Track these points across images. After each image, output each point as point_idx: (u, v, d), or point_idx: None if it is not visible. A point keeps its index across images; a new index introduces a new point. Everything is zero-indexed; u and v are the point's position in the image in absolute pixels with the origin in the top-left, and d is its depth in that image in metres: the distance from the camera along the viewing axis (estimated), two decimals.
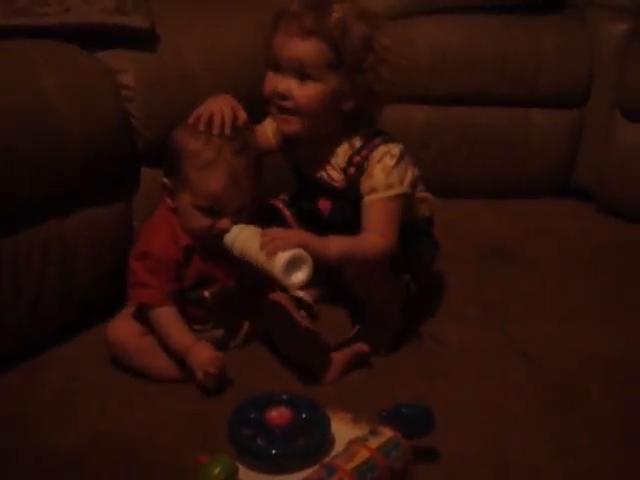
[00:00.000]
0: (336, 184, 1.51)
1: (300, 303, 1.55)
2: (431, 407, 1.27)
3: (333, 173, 1.51)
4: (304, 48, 1.41)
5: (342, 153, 1.49)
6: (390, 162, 1.45)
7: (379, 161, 1.45)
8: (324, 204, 1.53)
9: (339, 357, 1.47)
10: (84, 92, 1.50)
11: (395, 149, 1.47)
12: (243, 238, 1.41)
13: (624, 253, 1.97)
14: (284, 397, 1.28)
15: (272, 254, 1.33)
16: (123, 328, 1.45)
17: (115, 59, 1.59)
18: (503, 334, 1.62)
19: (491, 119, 2.17)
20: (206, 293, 1.48)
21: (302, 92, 1.43)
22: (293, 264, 1.33)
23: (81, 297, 1.56)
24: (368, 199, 1.45)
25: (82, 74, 1.52)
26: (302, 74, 1.42)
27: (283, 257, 1.32)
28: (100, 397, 1.41)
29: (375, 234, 1.44)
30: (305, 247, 1.33)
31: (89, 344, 1.53)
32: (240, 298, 1.51)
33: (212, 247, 1.45)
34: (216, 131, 1.41)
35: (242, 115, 1.46)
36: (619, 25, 2.12)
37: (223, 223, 1.43)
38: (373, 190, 1.45)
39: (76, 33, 1.57)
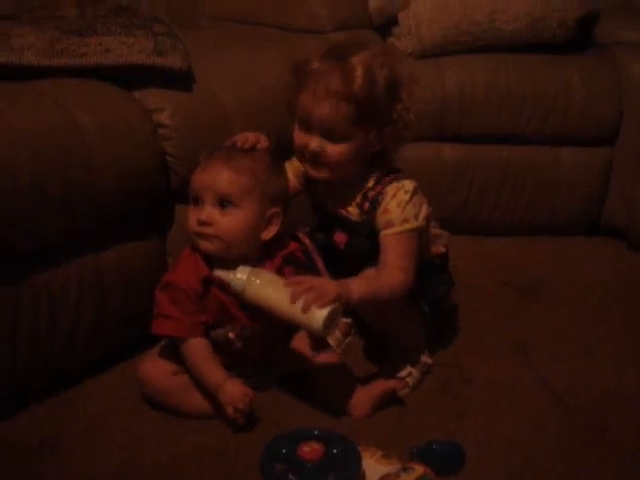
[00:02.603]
0: (352, 218, 1.52)
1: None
2: (461, 444, 1.27)
3: (350, 208, 1.53)
4: (332, 112, 1.43)
5: (358, 189, 1.51)
6: (405, 197, 1.47)
7: (394, 196, 1.48)
8: (340, 237, 1.54)
9: (370, 393, 1.47)
10: (121, 131, 1.53)
11: (409, 185, 1.49)
12: (260, 285, 1.40)
13: None
14: (316, 433, 1.29)
15: (307, 309, 1.34)
16: (152, 368, 1.46)
17: (152, 98, 1.62)
18: (531, 371, 1.62)
19: (521, 158, 2.18)
20: (231, 335, 1.47)
21: (333, 150, 1.46)
22: (330, 319, 1.34)
23: (115, 331, 1.58)
24: (385, 233, 1.47)
25: (119, 113, 1.55)
26: (331, 135, 1.45)
27: (322, 314, 1.33)
28: (131, 430, 1.42)
29: (394, 269, 1.45)
30: (337, 299, 1.35)
31: (122, 377, 1.55)
32: (267, 336, 1.50)
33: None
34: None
35: (264, 142, 1.49)
36: None
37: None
38: (389, 225, 1.47)
39: (114, 73, 1.60)
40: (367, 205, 1.50)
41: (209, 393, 1.43)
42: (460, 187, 2.17)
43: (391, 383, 1.50)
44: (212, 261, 1.45)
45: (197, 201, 1.44)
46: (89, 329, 1.52)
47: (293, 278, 1.40)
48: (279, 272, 1.46)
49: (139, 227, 1.60)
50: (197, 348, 1.44)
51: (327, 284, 1.38)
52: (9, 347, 1.41)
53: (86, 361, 1.55)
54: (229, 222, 1.42)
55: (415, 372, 1.57)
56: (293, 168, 1.59)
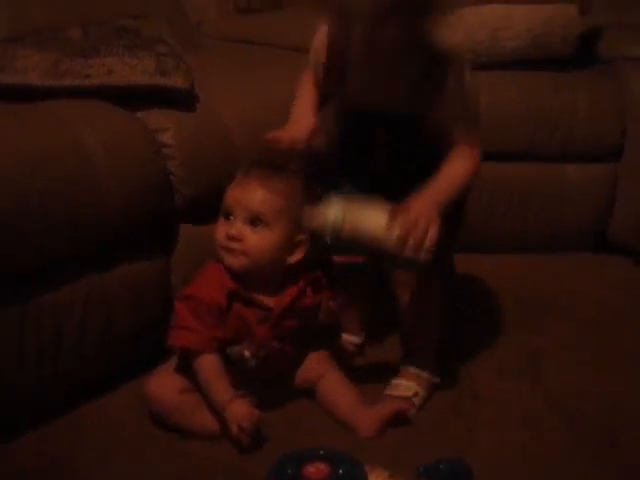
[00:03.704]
0: (400, 109, 1.42)
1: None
2: (469, 463, 1.26)
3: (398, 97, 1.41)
4: None
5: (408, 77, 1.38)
6: (465, 83, 1.41)
7: (454, 84, 1.38)
8: (380, 135, 1.46)
9: (378, 414, 1.46)
10: (124, 151, 1.53)
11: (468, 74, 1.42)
12: (357, 210, 1.31)
13: None
14: (322, 452, 1.28)
15: (418, 249, 1.27)
16: (160, 385, 1.46)
17: (155, 118, 1.63)
18: (540, 387, 1.61)
19: (526, 174, 2.18)
20: (246, 353, 1.47)
21: None
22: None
23: (121, 350, 1.58)
24: (454, 111, 1.40)
25: (122, 133, 1.56)
26: None
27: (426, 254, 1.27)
28: (138, 449, 1.42)
29: (466, 151, 1.42)
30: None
31: (128, 397, 1.54)
32: (281, 355, 1.50)
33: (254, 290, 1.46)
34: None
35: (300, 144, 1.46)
36: None
37: None
38: (454, 115, 1.40)
39: (118, 93, 1.61)
40: (426, 94, 1.38)
41: (216, 412, 1.42)
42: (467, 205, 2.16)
43: (400, 404, 1.49)
44: (236, 277, 1.46)
45: (228, 216, 1.45)
46: (95, 348, 1.52)
47: (393, 209, 1.32)
48: (301, 295, 1.48)
49: (144, 246, 1.60)
50: (209, 364, 1.43)
51: (427, 217, 1.29)
52: (15, 366, 1.41)
53: (92, 380, 1.55)
54: (258, 240, 1.43)
55: (422, 392, 1.56)
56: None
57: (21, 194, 1.37)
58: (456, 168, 1.42)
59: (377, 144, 1.49)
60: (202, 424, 1.44)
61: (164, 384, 1.46)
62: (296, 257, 1.48)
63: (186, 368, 1.45)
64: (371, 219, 1.31)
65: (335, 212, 1.32)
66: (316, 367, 1.52)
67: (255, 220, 1.44)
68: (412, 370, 1.57)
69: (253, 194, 1.44)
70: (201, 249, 1.61)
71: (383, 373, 1.62)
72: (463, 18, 2.08)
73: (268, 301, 1.47)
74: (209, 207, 1.57)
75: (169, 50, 1.70)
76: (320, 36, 1.47)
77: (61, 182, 1.42)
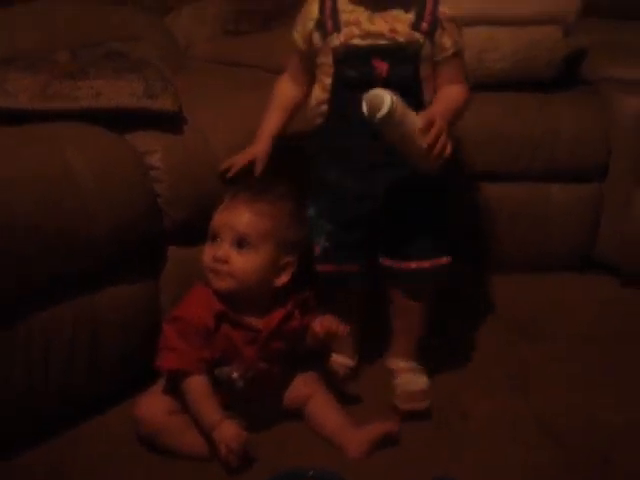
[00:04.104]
0: (399, 38, 1.52)
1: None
2: None
3: (399, 26, 1.52)
4: None
5: (406, 7, 1.52)
6: (456, 17, 1.56)
7: (451, 17, 1.55)
8: (381, 65, 1.51)
9: (367, 435, 1.47)
10: (112, 174, 1.54)
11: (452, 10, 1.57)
12: (404, 107, 1.40)
13: None
14: (311, 473, 1.28)
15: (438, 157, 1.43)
16: (150, 406, 1.46)
17: (143, 141, 1.63)
18: (529, 406, 1.62)
19: (511, 195, 2.18)
20: (234, 374, 1.47)
21: None
22: None
23: (110, 371, 1.58)
24: (448, 54, 1.56)
25: (111, 156, 1.56)
26: None
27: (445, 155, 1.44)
28: (127, 470, 1.42)
29: (462, 84, 1.58)
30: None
31: (117, 418, 1.54)
32: (269, 377, 1.51)
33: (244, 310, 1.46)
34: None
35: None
36: (634, 100, 2.15)
37: None
38: (455, 43, 1.56)
39: (106, 116, 1.62)
40: (425, 25, 1.52)
41: (205, 433, 1.43)
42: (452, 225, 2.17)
43: (389, 425, 1.49)
44: (223, 299, 1.46)
45: (215, 238, 1.46)
46: (84, 369, 1.52)
47: (424, 117, 1.43)
48: (289, 318, 1.49)
49: (132, 268, 1.61)
50: (197, 385, 1.43)
51: (445, 128, 1.44)
52: (3, 389, 1.41)
53: (81, 401, 1.54)
54: (244, 263, 1.44)
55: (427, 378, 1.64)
56: (301, 35, 1.60)
57: (9, 216, 1.37)
58: (455, 94, 1.57)
59: (377, 70, 1.52)
60: (191, 445, 1.44)
61: (153, 405, 1.46)
62: (283, 279, 1.48)
63: (175, 389, 1.45)
64: (410, 117, 1.42)
65: (393, 97, 1.38)
66: (304, 388, 1.53)
67: (241, 242, 1.45)
68: (409, 364, 1.65)
69: (240, 216, 1.45)
70: (189, 271, 1.62)
71: (373, 398, 1.63)
72: None
73: (256, 323, 1.48)
74: (197, 229, 1.58)
75: (157, 73, 1.71)
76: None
77: (49, 205, 1.43)
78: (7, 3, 2.10)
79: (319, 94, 1.59)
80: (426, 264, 1.59)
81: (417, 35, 1.53)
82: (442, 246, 1.61)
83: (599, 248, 2.22)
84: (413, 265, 1.59)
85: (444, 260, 1.60)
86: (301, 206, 1.52)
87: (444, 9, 1.55)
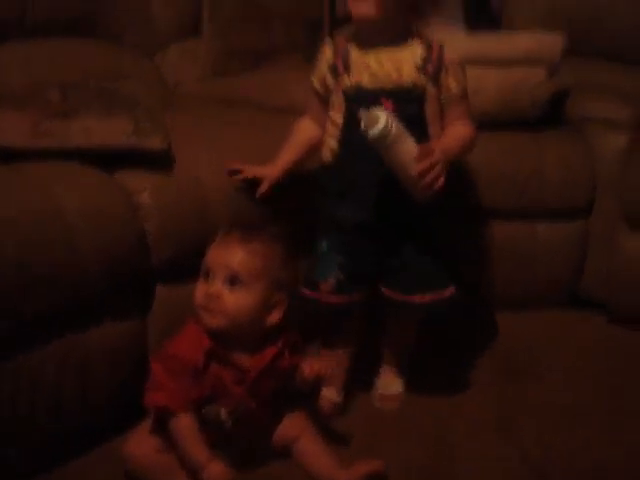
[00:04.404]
0: (405, 81, 1.60)
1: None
2: None
3: (405, 69, 1.60)
4: None
5: (413, 52, 1.61)
6: (458, 60, 1.64)
7: (453, 59, 1.63)
8: (387, 106, 1.57)
9: (355, 473, 1.47)
10: (101, 211, 1.55)
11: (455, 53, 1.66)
12: (400, 130, 1.48)
13: (633, 363, 1.97)
14: None
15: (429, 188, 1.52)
16: (139, 444, 1.46)
17: (132, 179, 1.64)
18: (518, 446, 1.61)
19: (498, 233, 2.19)
20: (223, 413, 1.47)
21: None
22: None
23: (98, 409, 1.57)
24: (457, 93, 1.64)
25: (100, 195, 1.57)
26: None
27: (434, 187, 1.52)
28: None
29: (468, 123, 1.66)
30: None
31: (106, 456, 1.53)
32: (257, 417, 1.50)
33: (232, 350, 1.47)
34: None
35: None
36: (617, 138, 2.18)
37: None
38: (459, 85, 1.64)
39: (96, 154, 1.62)
40: (430, 68, 1.61)
41: (193, 472, 1.42)
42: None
43: (376, 464, 1.49)
44: (213, 337, 1.46)
45: (208, 275, 1.47)
46: (72, 407, 1.52)
47: (422, 146, 1.52)
48: (279, 357, 1.49)
49: (121, 306, 1.60)
50: (185, 425, 1.43)
51: (443, 166, 1.53)
52: None
53: (69, 440, 1.53)
54: (236, 301, 1.45)
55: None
56: (318, 82, 1.68)
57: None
58: (461, 131, 1.65)
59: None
60: None
61: (142, 443, 1.46)
62: (274, 318, 1.49)
63: (163, 427, 1.45)
64: (407, 143, 1.50)
65: (389, 118, 1.46)
66: (293, 427, 1.53)
67: (234, 280, 1.45)
68: (394, 371, 1.78)
69: (232, 254, 1.46)
70: (178, 309, 1.62)
71: (360, 435, 1.63)
72: None
73: (246, 362, 1.48)
74: (186, 267, 1.59)
75: (147, 112, 1.73)
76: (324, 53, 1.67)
77: (38, 243, 1.43)
78: None
79: (331, 131, 1.65)
80: (427, 298, 1.65)
81: (422, 78, 1.61)
82: (444, 279, 1.68)
83: (586, 285, 2.24)
84: (415, 299, 1.66)
85: (447, 292, 1.67)
86: (291, 245, 1.53)
87: (449, 54, 1.63)
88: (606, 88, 2.42)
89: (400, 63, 1.60)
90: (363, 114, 1.48)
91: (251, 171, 1.71)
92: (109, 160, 1.64)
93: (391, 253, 1.65)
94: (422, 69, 1.60)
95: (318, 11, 2.47)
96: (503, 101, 2.14)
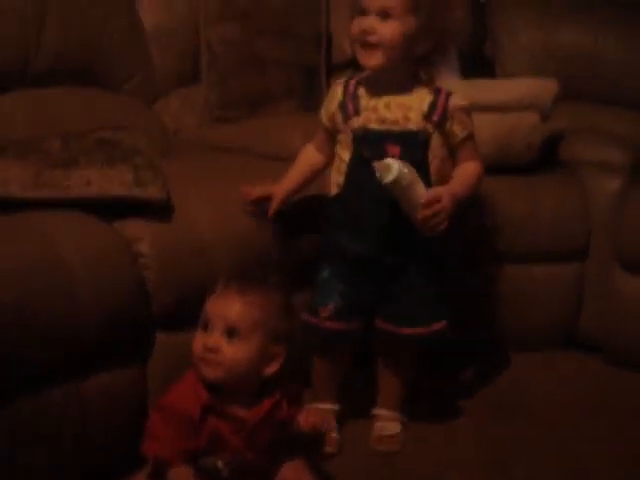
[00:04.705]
0: (412, 127, 1.67)
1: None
2: None
3: (412, 115, 1.67)
4: None
5: (420, 99, 1.69)
6: (465, 105, 1.72)
7: (460, 106, 1.71)
8: (393, 149, 1.66)
9: None
10: (102, 261, 1.56)
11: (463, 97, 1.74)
12: (410, 180, 1.60)
13: (630, 405, 1.98)
14: None
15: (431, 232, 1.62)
16: None
17: (131, 228, 1.66)
18: None
19: (494, 275, 2.20)
20: (220, 464, 1.47)
21: (386, 29, 1.62)
22: None
23: (97, 456, 1.58)
24: (463, 137, 1.71)
25: (100, 244, 1.59)
26: (387, 15, 1.62)
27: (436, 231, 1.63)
28: None
29: (476, 161, 1.73)
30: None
31: None
32: (254, 468, 1.50)
33: (231, 403, 1.47)
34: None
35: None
36: (612, 182, 2.21)
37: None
38: (465, 129, 1.71)
39: (96, 203, 1.65)
40: (436, 117, 1.68)
41: None
42: None
43: None
44: (211, 388, 1.47)
45: (206, 326, 1.48)
46: (71, 454, 1.52)
47: (431, 194, 1.62)
48: (276, 408, 1.50)
49: (120, 354, 1.62)
50: (181, 475, 1.43)
51: (447, 214, 1.62)
52: None
53: None
54: (234, 352, 1.46)
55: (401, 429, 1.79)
56: (320, 137, 1.77)
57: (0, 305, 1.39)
58: (469, 170, 1.73)
59: (390, 154, 1.66)
60: None
61: None
62: (272, 369, 1.49)
63: (161, 476, 1.45)
64: (417, 188, 1.61)
65: (401, 167, 1.58)
66: (292, 475, 1.52)
67: (231, 332, 1.46)
68: (389, 413, 1.81)
69: (230, 306, 1.47)
70: (177, 356, 1.63)
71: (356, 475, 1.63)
72: None
73: (243, 413, 1.48)
74: (185, 315, 1.60)
75: (146, 162, 1.75)
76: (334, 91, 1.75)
77: (39, 293, 1.45)
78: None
79: (338, 166, 1.73)
80: (422, 330, 1.72)
81: (428, 126, 1.68)
82: (440, 311, 1.74)
83: (582, 326, 2.25)
84: (408, 331, 1.73)
85: (440, 325, 1.74)
86: (289, 296, 1.55)
87: (455, 101, 1.70)
88: (600, 131, 2.46)
89: (407, 110, 1.68)
90: (377, 165, 1.59)
91: (257, 192, 1.78)
92: (109, 209, 1.66)
93: (389, 284, 1.71)
94: (428, 116, 1.68)
95: (314, 58, 2.50)
96: (498, 145, 2.17)
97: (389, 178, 1.57)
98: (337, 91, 1.74)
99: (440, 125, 1.68)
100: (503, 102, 2.19)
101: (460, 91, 2.14)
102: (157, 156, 1.85)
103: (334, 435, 1.76)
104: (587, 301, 2.24)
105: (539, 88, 2.25)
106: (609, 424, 1.89)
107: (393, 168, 1.57)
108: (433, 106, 1.68)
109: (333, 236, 1.73)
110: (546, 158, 2.28)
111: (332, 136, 1.76)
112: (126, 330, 1.61)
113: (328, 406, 1.81)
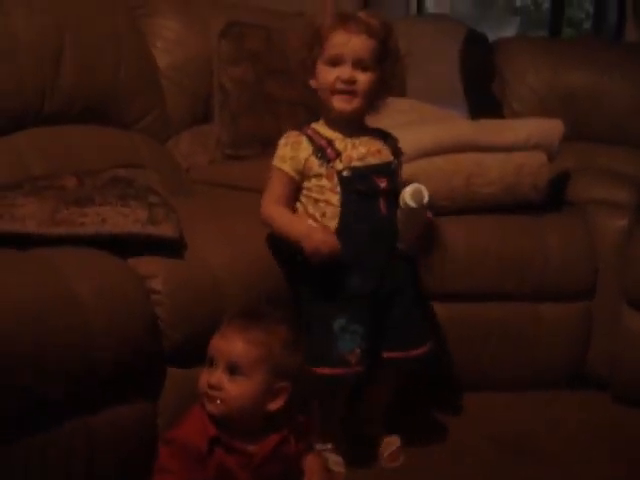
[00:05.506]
0: (387, 159, 1.80)
1: None
2: None
3: (383, 150, 1.81)
4: (365, 44, 1.73)
5: (387, 139, 1.84)
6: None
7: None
8: (382, 180, 1.77)
9: None
10: (115, 297, 1.58)
11: None
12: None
13: (638, 443, 1.98)
14: None
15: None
16: None
17: (145, 265, 1.68)
18: None
19: (502, 314, 2.22)
20: None
21: (363, 78, 1.74)
22: None
23: None
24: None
25: (114, 281, 1.61)
26: (361, 65, 1.73)
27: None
28: None
29: None
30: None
31: None
32: None
33: (238, 437, 1.48)
34: None
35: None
36: (618, 221, 2.24)
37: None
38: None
39: (110, 240, 1.67)
40: (396, 147, 1.84)
41: None
42: (444, 344, 2.19)
43: None
44: (218, 422, 1.49)
45: (211, 363, 1.50)
46: None
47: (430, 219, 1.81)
48: (284, 443, 1.51)
49: (132, 389, 1.63)
50: None
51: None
52: None
53: None
54: (236, 390, 1.48)
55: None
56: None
57: (13, 341, 1.41)
58: None
59: (380, 185, 1.78)
60: None
61: None
62: (277, 404, 1.51)
63: None
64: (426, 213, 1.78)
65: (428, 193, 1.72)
66: None
67: (234, 369, 1.48)
68: (384, 430, 1.89)
69: (233, 344, 1.49)
70: (188, 392, 1.63)
71: None
72: (438, 165, 2.19)
73: (250, 447, 1.50)
74: (196, 351, 1.61)
75: (160, 200, 1.78)
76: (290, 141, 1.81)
77: (53, 330, 1.47)
78: (16, 129, 2.17)
79: (328, 213, 1.75)
80: (426, 348, 1.82)
81: (391, 155, 1.83)
82: (428, 332, 1.87)
83: (589, 365, 2.26)
84: (416, 352, 1.81)
85: (431, 344, 1.84)
86: (295, 331, 1.57)
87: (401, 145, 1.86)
88: (606, 170, 2.49)
89: (376, 145, 1.81)
90: (408, 190, 1.70)
91: (324, 253, 1.71)
92: (123, 246, 1.69)
93: (389, 312, 1.77)
94: (394, 150, 1.83)
95: None
96: (505, 185, 2.20)
97: (425, 200, 1.70)
98: (301, 141, 1.77)
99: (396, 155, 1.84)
100: (510, 142, 2.22)
101: (468, 130, 2.21)
102: (169, 194, 1.88)
103: (342, 471, 1.77)
104: (595, 339, 2.25)
105: (546, 128, 2.28)
106: (616, 463, 1.89)
107: (425, 191, 1.70)
108: (389, 143, 1.83)
109: (341, 282, 1.73)
110: (553, 197, 2.30)
111: (296, 188, 1.78)
112: (138, 365, 1.63)
113: (337, 446, 1.81)
